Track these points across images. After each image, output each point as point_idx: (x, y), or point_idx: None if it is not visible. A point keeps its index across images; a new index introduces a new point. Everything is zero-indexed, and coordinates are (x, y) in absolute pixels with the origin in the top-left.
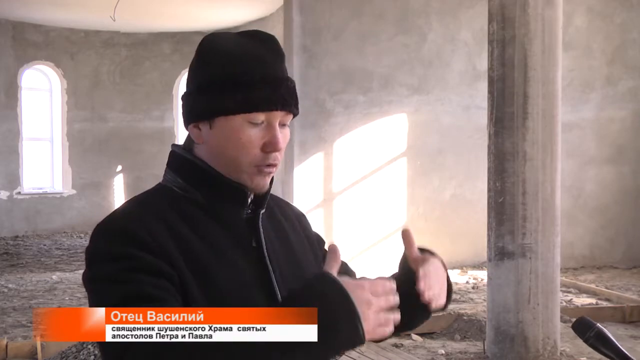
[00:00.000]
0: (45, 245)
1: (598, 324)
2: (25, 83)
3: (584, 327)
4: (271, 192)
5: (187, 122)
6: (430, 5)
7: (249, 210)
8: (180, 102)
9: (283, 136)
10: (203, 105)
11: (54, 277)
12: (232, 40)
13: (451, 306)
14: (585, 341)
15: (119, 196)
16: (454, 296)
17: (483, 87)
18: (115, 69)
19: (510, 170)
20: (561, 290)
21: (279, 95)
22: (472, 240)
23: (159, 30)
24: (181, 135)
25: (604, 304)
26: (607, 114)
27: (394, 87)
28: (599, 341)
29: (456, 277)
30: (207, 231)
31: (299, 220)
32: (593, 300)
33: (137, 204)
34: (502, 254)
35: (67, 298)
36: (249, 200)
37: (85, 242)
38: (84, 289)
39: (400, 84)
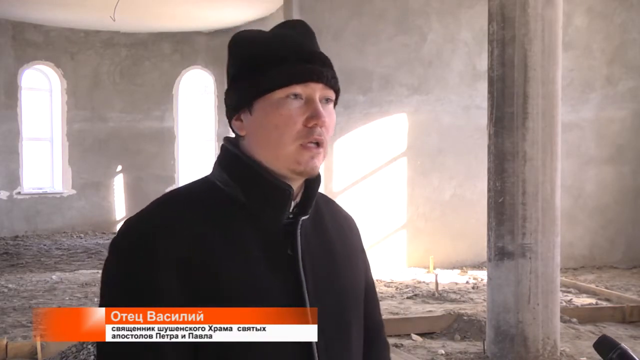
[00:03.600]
0: (45, 245)
1: (621, 344)
2: (25, 83)
3: (607, 347)
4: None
5: (230, 119)
6: (430, 5)
7: (291, 215)
8: (180, 102)
9: (327, 113)
10: (240, 94)
11: (53, 277)
12: (260, 31)
13: (451, 306)
14: None
15: (118, 196)
16: (454, 296)
17: (483, 87)
18: (115, 69)
19: (510, 171)
20: (561, 290)
21: (313, 67)
22: (472, 240)
23: (159, 30)
24: (181, 135)
25: (604, 304)
26: (607, 114)
27: (394, 87)
28: None
29: (456, 277)
30: (240, 234)
31: (353, 233)
32: (593, 300)
33: (167, 204)
34: (502, 254)
35: (67, 298)
36: (292, 205)
37: (85, 242)
38: (83, 289)
39: (400, 84)
